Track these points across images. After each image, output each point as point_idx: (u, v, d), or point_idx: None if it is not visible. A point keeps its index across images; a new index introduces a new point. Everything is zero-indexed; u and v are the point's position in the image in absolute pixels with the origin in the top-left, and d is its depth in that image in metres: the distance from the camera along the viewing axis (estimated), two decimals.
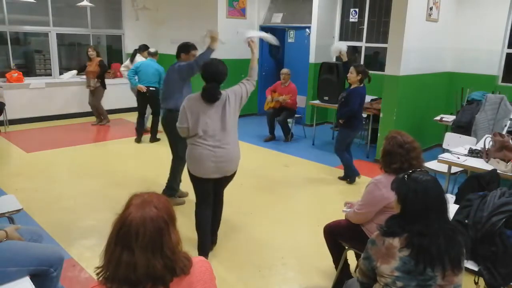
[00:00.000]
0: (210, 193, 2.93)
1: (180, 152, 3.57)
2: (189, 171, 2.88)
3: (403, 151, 2.22)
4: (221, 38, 3.70)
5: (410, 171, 1.70)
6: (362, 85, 4.44)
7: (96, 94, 6.88)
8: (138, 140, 6.24)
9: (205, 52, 3.56)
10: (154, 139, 6.29)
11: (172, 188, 3.92)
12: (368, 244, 1.72)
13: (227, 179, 2.96)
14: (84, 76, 7.23)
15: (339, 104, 4.50)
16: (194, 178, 2.87)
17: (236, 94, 2.90)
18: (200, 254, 2.88)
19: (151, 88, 5.98)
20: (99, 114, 7.13)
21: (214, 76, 2.76)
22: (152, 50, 6.35)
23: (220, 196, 3.08)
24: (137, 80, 5.96)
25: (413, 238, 1.57)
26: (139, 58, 6.59)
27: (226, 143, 2.80)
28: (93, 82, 6.76)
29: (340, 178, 4.75)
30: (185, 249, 1.32)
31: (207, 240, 2.96)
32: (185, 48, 3.77)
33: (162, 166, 5.16)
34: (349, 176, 4.66)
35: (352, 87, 4.44)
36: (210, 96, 2.75)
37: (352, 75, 4.38)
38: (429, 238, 1.56)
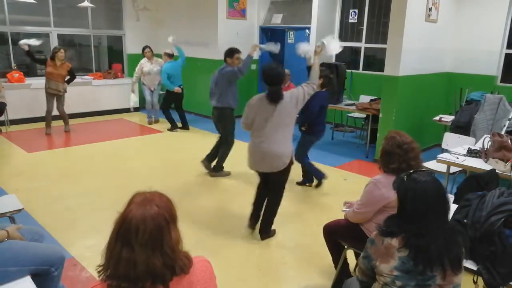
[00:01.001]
0: (262, 181, 3.35)
1: (230, 140, 4.69)
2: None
3: (402, 151, 2.23)
4: (262, 46, 4.63)
5: (412, 171, 1.70)
6: (324, 89, 4.20)
7: (62, 99, 6.44)
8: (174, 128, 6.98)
9: (245, 60, 4.46)
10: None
11: (220, 166, 4.77)
12: (367, 244, 1.73)
13: (272, 175, 3.15)
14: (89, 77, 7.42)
15: (301, 110, 3.32)
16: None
17: (292, 96, 3.09)
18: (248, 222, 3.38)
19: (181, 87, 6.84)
20: (66, 119, 6.66)
21: (276, 79, 3.03)
22: (169, 51, 6.80)
23: (271, 189, 3.28)
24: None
25: (409, 238, 1.58)
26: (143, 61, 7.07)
27: (271, 141, 3.03)
28: (62, 86, 6.30)
29: (299, 183, 4.54)
30: (188, 248, 1.33)
31: (255, 214, 3.38)
32: (230, 52, 4.50)
33: (162, 166, 5.18)
34: (317, 178, 4.48)
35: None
36: (276, 97, 3.01)
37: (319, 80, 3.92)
38: (426, 238, 1.57)
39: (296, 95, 3.09)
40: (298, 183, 4.54)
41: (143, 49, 7.04)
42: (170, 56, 6.85)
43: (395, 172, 2.25)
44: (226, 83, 4.47)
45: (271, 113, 3.01)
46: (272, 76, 3.01)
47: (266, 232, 3.32)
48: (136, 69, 7.07)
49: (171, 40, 6.62)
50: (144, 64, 7.02)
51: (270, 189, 3.28)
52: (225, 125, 4.64)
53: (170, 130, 6.93)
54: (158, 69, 6.99)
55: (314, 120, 4.17)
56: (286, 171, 3.15)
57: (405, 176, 1.68)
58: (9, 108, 6.53)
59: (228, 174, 4.78)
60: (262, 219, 3.32)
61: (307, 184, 4.55)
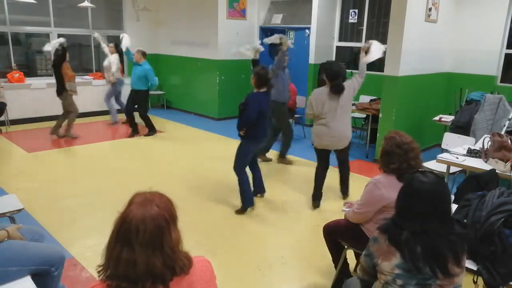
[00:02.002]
0: (325, 159, 3.96)
1: (286, 131, 5.29)
2: (313, 143, 3.97)
3: (401, 151, 2.23)
4: (289, 43, 5.03)
5: (416, 171, 1.70)
6: (262, 90, 3.66)
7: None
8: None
9: (279, 57, 4.93)
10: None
11: (285, 154, 5.34)
12: (370, 241, 1.74)
13: (343, 150, 3.98)
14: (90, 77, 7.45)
15: (239, 113, 3.67)
16: (315, 148, 3.95)
17: (349, 86, 3.79)
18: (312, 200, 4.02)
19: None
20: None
21: (339, 74, 3.72)
22: (143, 50, 6.43)
23: (344, 162, 4.13)
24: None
25: (402, 235, 1.59)
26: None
27: (340, 124, 3.78)
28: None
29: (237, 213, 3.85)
30: (188, 248, 1.34)
31: (318, 193, 4.06)
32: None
33: (162, 166, 5.18)
34: (243, 203, 3.83)
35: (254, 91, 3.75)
36: (340, 89, 3.69)
37: (252, 78, 3.72)
38: (419, 239, 1.56)
39: (352, 85, 3.82)
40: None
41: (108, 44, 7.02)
42: (144, 54, 6.36)
43: (395, 172, 2.25)
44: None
45: (339, 102, 3.72)
46: (335, 72, 3.71)
47: (348, 192, 4.22)
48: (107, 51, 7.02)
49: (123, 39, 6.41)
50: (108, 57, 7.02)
51: (340, 162, 4.15)
52: (279, 117, 5.17)
53: (132, 135, 6.51)
54: (106, 65, 6.95)
55: (252, 125, 3.65)
56: (350, 144, 4.01)
57: (412, 175, 1.69)
58: (9, 108, 6.53)
59: (290, 163, 5.26)
60: (345, 184, 4.21)
61: (259, 195, 4.14)
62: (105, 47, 6.93)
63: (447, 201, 1.66)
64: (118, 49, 6.81)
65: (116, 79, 7.01)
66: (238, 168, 3.80)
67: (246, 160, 3.82)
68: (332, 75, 3.70)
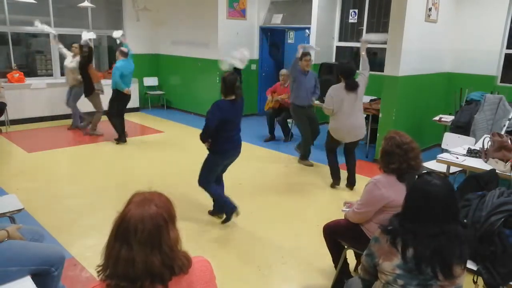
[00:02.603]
0: (336, 148, 4.47)
1: (304, 132, 5.38)
2: (330, 134, 4.34)
3: (401, 151, 2.23)
4: (314, 46, 5.57)
5: (426, 172, 1.69)
6: (229, 98, 3.29)
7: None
8: (125, 140, 6.20)
9: (293, 63, 5.12)
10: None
11: (303, 155, 5.43)
12: (371, 241, 1.73)
13: (355, 142, 4.37)
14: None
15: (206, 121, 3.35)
16: (332, 138, 4.34)
17: (361, 82, 4.18)
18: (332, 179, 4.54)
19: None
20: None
21: (353, 71, 4.21)
22: (124, 49, 6.07)
23: (353, 152, 4.48)
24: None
25: (404, 235, 1.58)
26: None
27: (356, 118, 4.18)
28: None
29: (211, 213, 3.72)
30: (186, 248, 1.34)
31: (335, 172, 4.55)
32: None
33: (162, 166, 5.18)
34: (224, 212, 3.58)
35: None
36: (355, 86, 4.11)
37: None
38: (420, 240, 1.56)
39: (363, 82, 4.21)
40: (210, 212, 3.73)
41: (72, 44, 6.56)
42: (124, 54, 6.05)
43: (395, 172, 2.25)
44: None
45: (355, 98, 4.13)
46: (350, 69, 4.19)
47: (355, 181, 4.51)
48: (64, 51, 6.66)
49: (118, 35, 6.33)
50: (67, 58, 6.58)
51: (349, 153, 4.46)
52: (298, 119, 5.39)
53: (118, 141, 6.15)
54: (74, 67, 6.39)
55: (216, 136, 3.32)
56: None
57: (418, 176, 1.68)
58: (9, 108, 6.53)
59: (310, 165, 5.34)
60: (352, 174, 4.48)
61: (218, 216, 3.66)
62: (61, 48, 6.54)
63: (457, 202, 1.65)
64: (82, 50, 6.16)
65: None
66: (203, 183, 3.47)
67: (212, 175, 3.47)
68: (347, 73, 4.14)
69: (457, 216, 1.64)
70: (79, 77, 6.34)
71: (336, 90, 4.15)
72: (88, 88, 6.19)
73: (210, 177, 3.48)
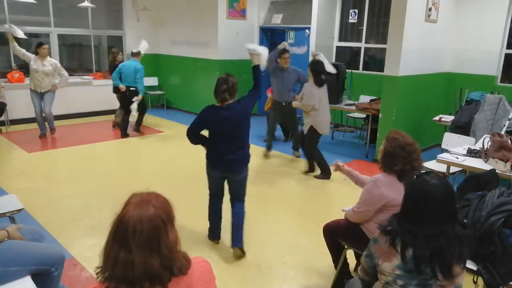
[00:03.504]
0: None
1: (269, 125, 5.73)
2: (313, 130, 4.59)
3: (405, 153, 2.21)
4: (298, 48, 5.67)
5: (424, 172, 1.68)
6: (218, 103, 2.90)
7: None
8: (126, 135, 6.49)
9: (270, 56, 4.75)
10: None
11: (297, 147, 5.61)
12: (370, 242, 1.73)
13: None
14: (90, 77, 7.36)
15: None
16: (315, 134, 4.63)
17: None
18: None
19: (131, 88, 6.27)
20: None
21: (322, 70, 4.59)
22: (134, 50, 6.48)
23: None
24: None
25: (403, 235, 1.58)
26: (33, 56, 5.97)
27: (328, 111, 4.71)
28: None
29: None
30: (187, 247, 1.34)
31: (325, 165, 4.76)
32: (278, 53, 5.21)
33: (162, 166, 5.18)
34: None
35: None
36: (324, 81, 4.57)
37: None
38: (419, 240, 1.56)
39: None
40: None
41: (40, 45, 5.98)
42: (135, 55, 6.39)
43: (399, 174, 2.24)
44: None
45: (325, 93, 4.60)
46: (320, 67, 4.56)
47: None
48: (23, 52, 5.88)
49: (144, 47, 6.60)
50: (34, 61, 5.93)
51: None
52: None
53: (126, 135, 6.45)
54: (50, 70, 6.01)
55: (209, 143, 3.01)
56: None
57: (416, 176, 1.67)
58: (9, 108, 6.54)
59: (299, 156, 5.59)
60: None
61: (232, 249, 3.07)
62: (16, 47, 5.82)
63: (455, 202, 1.65)
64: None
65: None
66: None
67: (212, 187, 3.12)
68: (319, 70, 4.53)
69: (455, 215, 1.63)
70: (56, 80, 6.17)
71: (312, 87, 4.50)
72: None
73: (211, 189, 3.14)
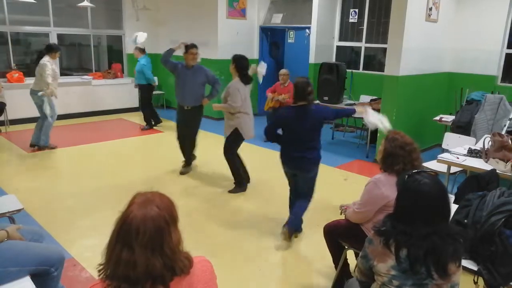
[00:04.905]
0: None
1: (191, 139, 4.83)
2: (238, 134, 4.08)
3: (405, 152, 2.22)
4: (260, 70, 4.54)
5: (415, 171, 1.68)
6: (300, 103, 3.13)
7: None
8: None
9: (165, 54, 4.68)
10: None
11: (191, 162, 4.97)
12: (365, 243, 1.73)
13: None
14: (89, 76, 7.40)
15: None
16: (239, 139, 4.13)
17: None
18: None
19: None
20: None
21: (248, 66, 4.08)
22: (141, 46, 6.72)
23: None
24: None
25: (397, 236, 1.58)
26: (45, 59, 5.26)
27: (252, 113, 4.19)
28: None
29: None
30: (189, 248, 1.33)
31: (244, 172, 4.40)
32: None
33: (162, 166, 5.18)
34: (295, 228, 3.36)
35: None
36: (250, 79, 4.09)
37: None
38: (412, 240, 1.55)
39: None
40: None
41: (53, 48, 5.34)
42: (142, 51, 6.84)
43: (399, 173, 2.23)
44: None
45: (249, 91, 4.12)
46: (246, 65, 4.04)
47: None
48: (50, 72, 5.21)
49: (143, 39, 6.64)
50: (54, 66, 5.40)
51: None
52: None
53: (150, 127, 7.05)
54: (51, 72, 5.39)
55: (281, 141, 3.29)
56: None
57: (408, 175, 1.67)
58: (9, 108, 6.53)
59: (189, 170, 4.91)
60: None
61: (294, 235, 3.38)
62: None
63: (448, 200, 1.65)
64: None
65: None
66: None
67: (288, 182, 3.40)
68: (245, 66, 4.03)
69: (448, 213, 1.64)
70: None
71: (239, 85, 3.98)
72: None
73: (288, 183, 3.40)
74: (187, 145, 4.80)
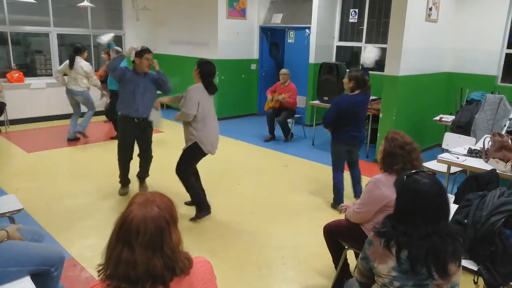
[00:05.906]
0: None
1: (118, 153, 4.28)
2: (197, 148, 3.53)
3: (405, 152, 2.22)
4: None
5: (413, 171, 1.69)
6: (356, 92, 3.80)
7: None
8: None
9: (114, 60, 4.03)
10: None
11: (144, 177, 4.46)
12: (365, 244, 1.72)
13: None
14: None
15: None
16: (198, 155, 3.61)
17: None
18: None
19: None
20: None
21: (214, 72, 3.56)
22: (119, 48, 6.35)
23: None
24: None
25: (397, 237, 1.58)
26: (79, 60, 5.93)
27: (217, 125, 3.66)
28: None
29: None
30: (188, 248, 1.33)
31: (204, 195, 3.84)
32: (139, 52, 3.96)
33: (161, 166, 5.17)
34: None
35: None
36: (215, 89, 3.57)
37: (347, 83, 3.92)
38: (412, 240, 1.55)
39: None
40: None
41: (81, 49, 6.07)
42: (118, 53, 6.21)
43: (399, 173, 2.23)
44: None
45: (212, 101, 3.58)
46: (213, 72, 3.53)
47: None
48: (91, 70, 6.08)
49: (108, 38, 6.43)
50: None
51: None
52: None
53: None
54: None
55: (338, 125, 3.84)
56: None
57: (407, 176, 1.67)
58: (9, 108, 6.53)
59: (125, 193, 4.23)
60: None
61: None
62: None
63: (447, 199, 1.65)
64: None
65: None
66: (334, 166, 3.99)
67: (337, 161, 3.96)
68: (211, 73, 3.48)
69: (448, 213, 1.64)
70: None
71: (201, 92, 3.42)
72: None
73: (337, 163, 3.95)
74: (144, 161, 4.30)
